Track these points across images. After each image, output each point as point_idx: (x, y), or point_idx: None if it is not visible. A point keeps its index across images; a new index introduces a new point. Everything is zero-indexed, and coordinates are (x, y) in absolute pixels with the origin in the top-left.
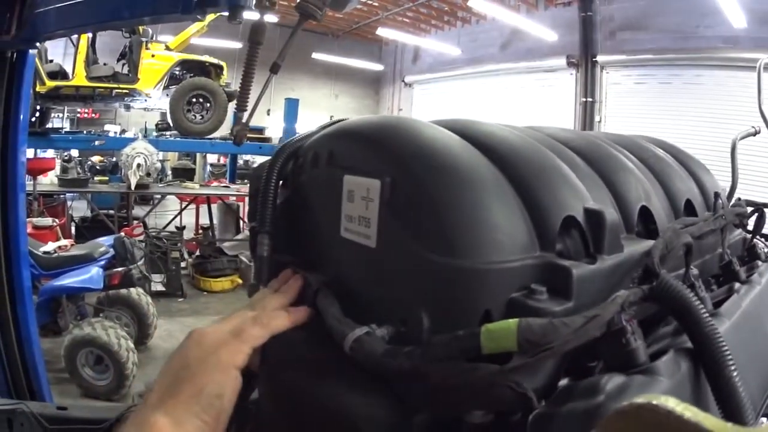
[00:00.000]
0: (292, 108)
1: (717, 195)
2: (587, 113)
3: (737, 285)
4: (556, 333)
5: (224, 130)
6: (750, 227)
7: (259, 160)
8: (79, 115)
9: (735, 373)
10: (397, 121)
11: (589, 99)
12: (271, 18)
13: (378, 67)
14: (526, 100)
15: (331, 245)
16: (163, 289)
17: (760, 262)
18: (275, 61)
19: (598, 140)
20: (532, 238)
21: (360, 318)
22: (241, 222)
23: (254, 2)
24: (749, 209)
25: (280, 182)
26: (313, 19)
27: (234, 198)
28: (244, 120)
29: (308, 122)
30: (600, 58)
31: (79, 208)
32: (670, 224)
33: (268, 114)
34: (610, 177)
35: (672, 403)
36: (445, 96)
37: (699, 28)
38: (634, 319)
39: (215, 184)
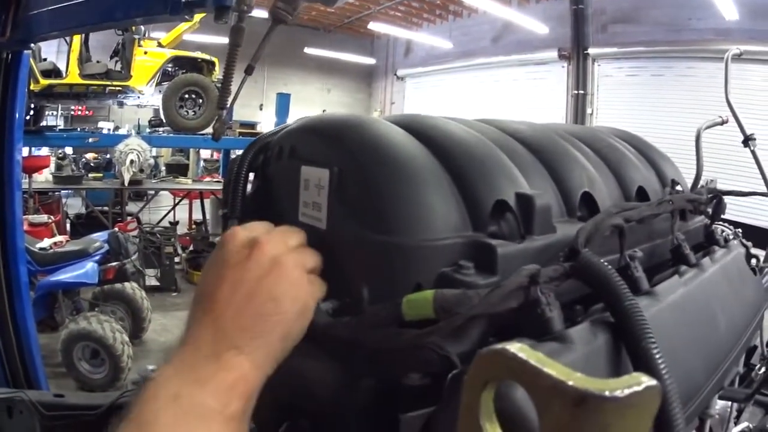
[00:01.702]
0: (283, 103)
1: (673, 182)
2: (579, 105)
3: (684, 268)
4: (468, 301)
5: None
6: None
7: None
8: (72, 112)
9: (653, 346)
10: (349, 119)
11: (581, 91)
12: (261, 13)
13: (370, 61)
14: (518, 93)
15: None
16: (158, 283)
17: (717, 248)
18: (249, 63)
19: (549, 131)
20: (465, 219)
21: None
22: None
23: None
24: (708, 196)
25: (252, 173)
26: (284, 24)
27: None
28: (223, 117)
29: (301, 116)
30: (591, 51)
31: (74, 205)
32: (606, 208)
33: (261, 109)
34: (553, 165)
35: (517, 349)
36: (438, 89)
37: (691, 21)
38: (551, 292)
39: (208, 179)
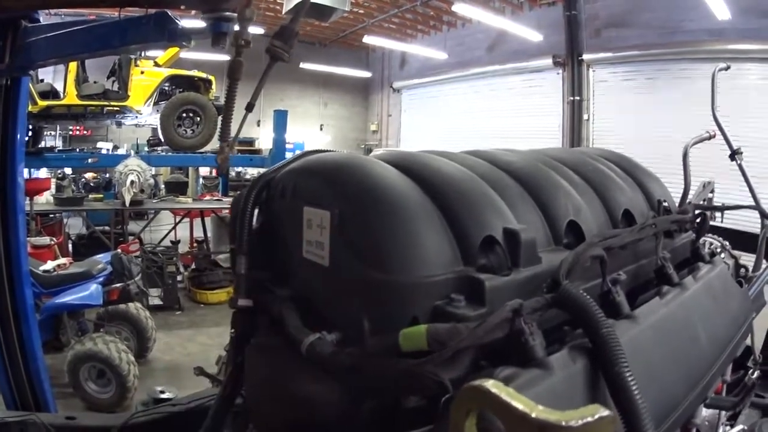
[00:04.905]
0: (281, 119)
1: (659, 203)
2: (575, 112)
3: (666, 288)
4: (458, 334)
5: (215, 143)
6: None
7: (250, 171)
8: (71, 132)
9: (625, 370)
10: (346, 160)
11: (577, 97)
12: (257, 30)
13: (366, 74)
14: (515, 101)
15: (296, 264)
16: (161, 302)
17: (701, 264)
18: (249, 101)
19: (538, 161)
20: (456, 255)
21: (320, 324)
22: None
23: (231, 40)
24: (693, 213)
25: (257, 208)
26: (282, 61)
27: (227, 211)
28: (226, 151)
29: (299, 132)
30: (586, 57)
31: (75, 225)
32: (589, 238)
33: (258, 125)
34: (540, 196)
35: (491, 385)
36: (434, 100)
37: (684, 23)
38: (534, 322)
39: (208, 197)
